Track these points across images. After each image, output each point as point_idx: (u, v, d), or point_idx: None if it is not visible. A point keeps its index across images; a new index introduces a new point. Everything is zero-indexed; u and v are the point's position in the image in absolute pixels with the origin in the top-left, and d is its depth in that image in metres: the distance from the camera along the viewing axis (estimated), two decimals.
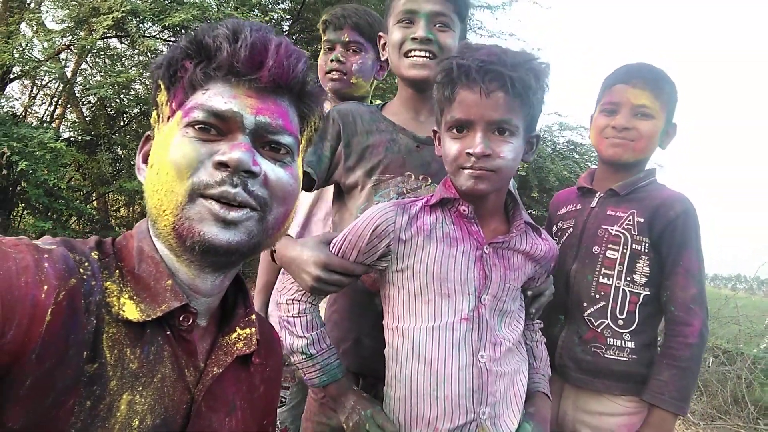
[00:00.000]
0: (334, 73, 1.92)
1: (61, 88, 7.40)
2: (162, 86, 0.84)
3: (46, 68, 6.73)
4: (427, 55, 1.45)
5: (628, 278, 1.62)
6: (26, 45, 6.84)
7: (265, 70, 0.79)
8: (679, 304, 1.57)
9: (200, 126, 0.78)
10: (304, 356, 1.26)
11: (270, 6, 7.87)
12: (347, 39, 1.93)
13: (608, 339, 1.61)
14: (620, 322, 1.61)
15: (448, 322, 1.20)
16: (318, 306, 1.31)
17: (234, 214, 0.77)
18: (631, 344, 1.60)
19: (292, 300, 1.29)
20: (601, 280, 1.63)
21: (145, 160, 0.86)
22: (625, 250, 1.62)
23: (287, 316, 1.29)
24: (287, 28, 8.75)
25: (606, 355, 1.61)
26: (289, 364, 1.78)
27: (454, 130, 1.20)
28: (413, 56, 1.45)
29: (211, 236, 0.76)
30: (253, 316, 0.92)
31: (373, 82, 2.05)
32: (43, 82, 7.78)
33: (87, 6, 5.95)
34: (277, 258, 1.35)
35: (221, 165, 0.76)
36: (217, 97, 0.79)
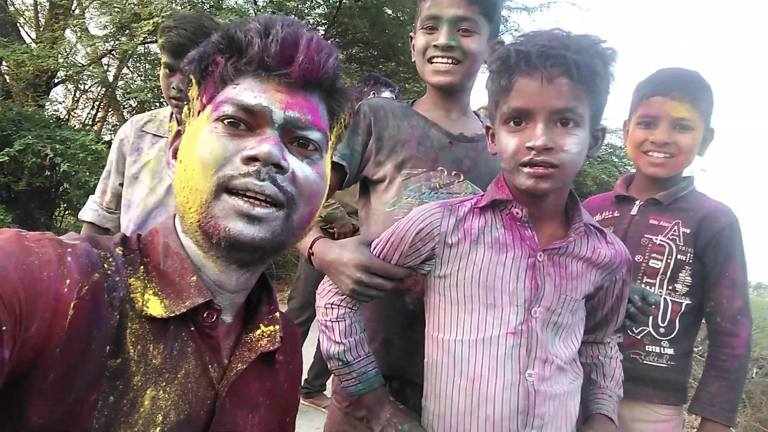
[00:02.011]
0: (177, 100, 1.86)
1: (103, 92, 7.62)
2: (193, 81, 0.83)
3: (88, 73, 6.95)
4: (450, 61, 1.41)
5: (670, 287, 1.61)
6: (70, 50, 7.06)
7: (296, 65, 0.78)
8: (726, 316, 1.56)
9: (229, 120, 0.78)
10: (340, 363, 1.21)
11: (306, 11, 7.97)
12: None
13: (647, 346, 1.60)
14: (661, 330, 1.60)
15: (492, 336, 1.11)
16: (359, 311, 1.26)
17: (259, 210, 0.75)
18: (670, 351, 1.60)
19: (331, 304, 1.24)
20: None
21: (175, 155, 0.85)
22: (669, 260, 1.60)
23: (325, 321, 1.24)
24: (323, 32, 8.83)
25: (645, 361, 1.60)
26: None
27: (512, 123, 1.08)
28: (436, 63, 1.42)
29: (237, 232, 0.74)
30: (278, 314, 0.90)
31: None
32: (86, 86, 8.03)
33: (129, 12, 6.12)
34: (316, 261, 1.32)
35: (250, 160, 0.75)
36: (247, 91, 0.78)
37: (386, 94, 3.59)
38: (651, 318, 1.59)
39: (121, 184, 2.07)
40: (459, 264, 1.15)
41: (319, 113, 0.84)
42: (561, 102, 1.03)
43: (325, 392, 3.61)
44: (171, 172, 0.85)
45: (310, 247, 1.33)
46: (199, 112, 0.82)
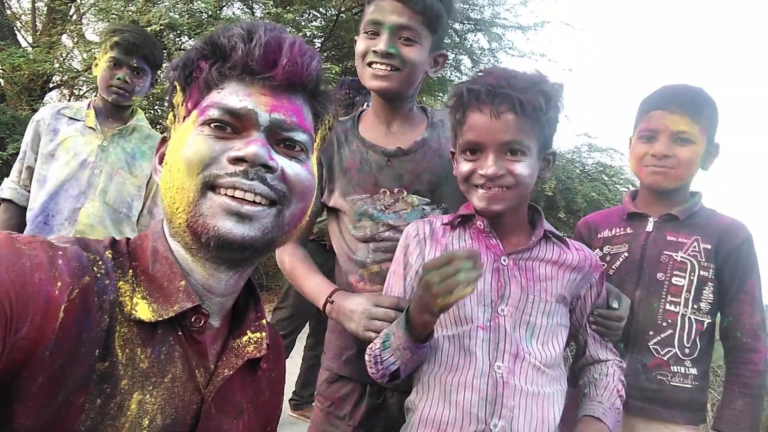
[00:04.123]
0: (118, 89, 2.18)
1: None
2: (177, 87, 0.85)
3: (84, 78, 6.94)
4: (389, 68, 1.41)
5: (695, 306, 1.59)
6: (66, 55, 7.06)
7: (279, 68, 0.80)
8: (746, 331, 1.56)
9: (216, 124, 0.79)
10: (385, 349, 1.22)
11: (303, 24, 8.01)
12: (135, 65, 2.20)
13: (672, 366, 1.59)
14: (686, 351, 1.58)
15: (466, 330, 1.20)
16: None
17: (249, 208, 0.77)
18: (693, 371, 1.58)
19: (369, 349, 1.29)
20: (667, 307, 1.59)
21: (161, 162, 0.86)
22: (692, 277, 1.59)
23: (368, 360, 1.28)
24: (319, 45, 8.88)
25: (672, 383, 1.58)
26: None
27: (467, 153, 1.23)
28: (374, 68, 1.42)
29: (226, 230, 0.75)
30: (264, 321, 0.91)
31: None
32: (81, 92, 8.00)
33: (126, 19, 6.13)
34: (334, 308, 1.40)
35: (237, 160, 0.77)
36: (232, 95, 0.80)
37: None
38: (676, 338, 1.58)
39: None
40: None
41: (304, 115, 0.85)
42: (508, 135, 1.17)
43: (313, 404, 3.59)
44: (157, 177, 0.86)
45: (330, 296, 1.41)
46: (184, 118, 0.83)
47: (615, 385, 1.33)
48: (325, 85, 0.90)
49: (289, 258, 1.53)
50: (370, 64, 1.43)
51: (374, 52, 1.40)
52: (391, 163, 1.48)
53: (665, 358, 1.58)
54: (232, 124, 0.80)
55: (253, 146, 0.76)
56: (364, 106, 3.52)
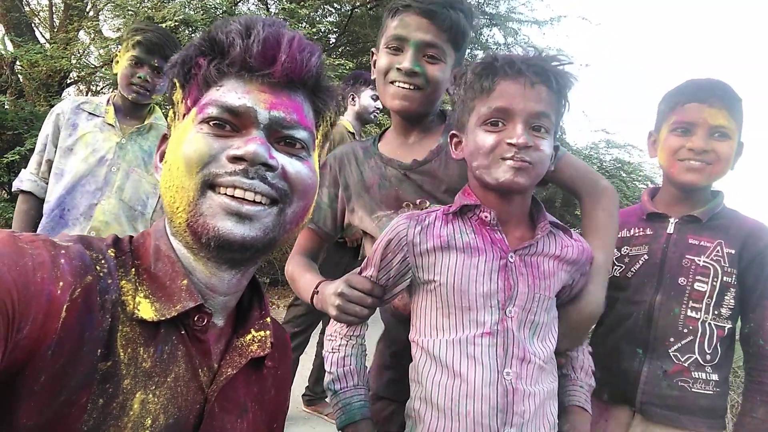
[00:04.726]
0: (139, 87, 2.22)
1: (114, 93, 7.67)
2: (177, 84, 0.84)
3: (101, 74, 7.01)
4: (411, 87, 1.36)
5: (716, 312, 1.53)
6: (83, 52, 7.12)
7: (278, 64, 0.79)
8: None
9: (215, 122, 0.78)
10: (329, 391, 1.29)
11: (318, 19, 8.01)
12: (156, 64, 2.23)
13: (693, 372, 1.54)
14: (707, 357, 1.53)
15: (469, 336, 1.14)
16: (358, 344, 1.31)
17: (249, 208, 0.76)
18: (714, 377, 1.53)
19: (330, 335, 1.33)
20: (689, 314, 1.54)
21: (162, 159, 0.86)
22: (715, 283, 1.53)
23: (325, 351, 1.33)
24: (334, 40, 8.87)
25: (693, 389, 1.53)
26: None
27: (489, 124, 1.15)
28: (397, 87, 1.37)
29: (226, 231, 0.74)
30: (268, 319, 0.90)
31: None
32: (98, 88, 8.08)
33: (142, 15, 6.17)
34: (319, 299, 1.35)
35: (236, 159, 0.76)
36: (231, 92, 0.78)
37: (367, 92, 3.62)
38: (697, 344, 1.53)
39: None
40: (434, 270, 1.19)
41: (305, 112, 0.84)
42: (540, 106, 1.12)
43: (326, 399, 3.59)
44: (158, 175, 0.86)
45: (316, 287, 1.37)
46: (184, 115, 0.82)
47: (589, 365, 1.35)
48: (326, 81, 0.88)
49: (292, 266, 1.52)
50: (392, 83, 1.38)
51: (398, 69, 1.36)
52: (409, 176, 1.44)
53: (686, 365, 1.54)
54: (232, 122, 0.78)
55: (252, 145, 0.75)
56: (359, 97, 3.61)
